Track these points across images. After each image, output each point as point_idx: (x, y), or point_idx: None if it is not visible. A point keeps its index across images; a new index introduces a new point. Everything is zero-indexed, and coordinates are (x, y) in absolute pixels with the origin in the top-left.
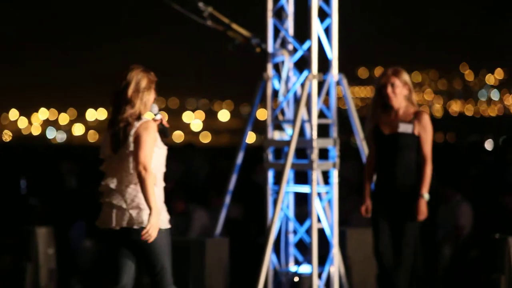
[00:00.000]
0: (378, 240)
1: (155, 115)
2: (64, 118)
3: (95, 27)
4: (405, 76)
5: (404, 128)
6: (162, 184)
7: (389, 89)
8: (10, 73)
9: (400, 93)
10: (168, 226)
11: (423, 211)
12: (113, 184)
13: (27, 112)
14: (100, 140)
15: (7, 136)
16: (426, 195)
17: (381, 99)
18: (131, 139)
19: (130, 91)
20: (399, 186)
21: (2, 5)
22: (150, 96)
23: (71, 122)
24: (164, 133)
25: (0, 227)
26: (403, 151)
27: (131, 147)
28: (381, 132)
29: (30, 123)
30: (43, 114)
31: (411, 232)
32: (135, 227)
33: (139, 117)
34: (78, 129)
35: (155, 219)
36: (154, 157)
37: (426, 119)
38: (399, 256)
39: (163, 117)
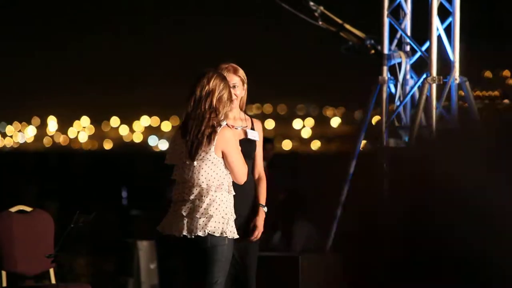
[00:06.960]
0: None
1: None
2: (166, 126)
3: (201, 40)
4: (243, 73)
5: (252, 135)
6: (233, 191)
7: (235, 90)
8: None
9: (240, 94)
10: (236, 236)
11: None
12: (187, 194)
13: (128, 120)
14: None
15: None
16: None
17: None
18: (213, 147)
19: (214, 100)
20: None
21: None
22: (229, 106)
23: (174, 129)
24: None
25: (102, 239)
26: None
27: (214, 155)
28: None
29: (131, 130)
30: (145, 121)
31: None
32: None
33: (219, 124)
34: None
35: None
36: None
37: (261, 127)
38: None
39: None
